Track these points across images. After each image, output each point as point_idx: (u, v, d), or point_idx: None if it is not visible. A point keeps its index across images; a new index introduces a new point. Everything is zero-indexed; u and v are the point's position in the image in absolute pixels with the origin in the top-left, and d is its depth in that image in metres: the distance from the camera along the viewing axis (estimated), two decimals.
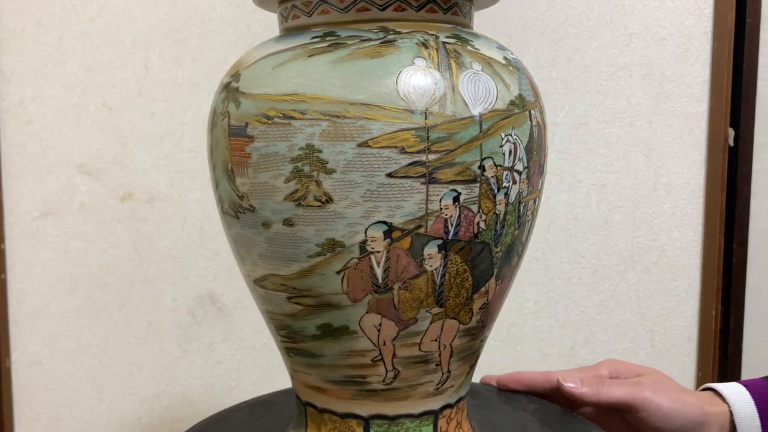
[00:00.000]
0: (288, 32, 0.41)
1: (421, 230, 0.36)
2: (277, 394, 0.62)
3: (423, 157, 0.35)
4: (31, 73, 0.81)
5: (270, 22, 0.83)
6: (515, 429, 0.51)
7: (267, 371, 0.89)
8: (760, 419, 0.48)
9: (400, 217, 0.36)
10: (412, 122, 0.35)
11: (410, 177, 0.35)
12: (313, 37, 0.38)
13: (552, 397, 0.54)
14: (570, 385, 0.51)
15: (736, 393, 0.50)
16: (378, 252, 0.36)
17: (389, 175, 0.35)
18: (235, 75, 0.39)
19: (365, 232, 0.36)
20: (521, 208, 0.41)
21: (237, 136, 0.37)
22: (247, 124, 0.36)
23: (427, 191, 0.36)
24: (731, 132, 0.95)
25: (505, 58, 0.41)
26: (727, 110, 0.94)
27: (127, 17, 0.82)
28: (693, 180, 0.94)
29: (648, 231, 0.94)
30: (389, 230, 0.36)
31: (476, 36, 0.41)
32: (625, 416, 0.51)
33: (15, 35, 0.80)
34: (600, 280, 0.94)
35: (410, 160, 0.35)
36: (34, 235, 0.82)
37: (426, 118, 0.35)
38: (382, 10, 0.39)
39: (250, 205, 0.37)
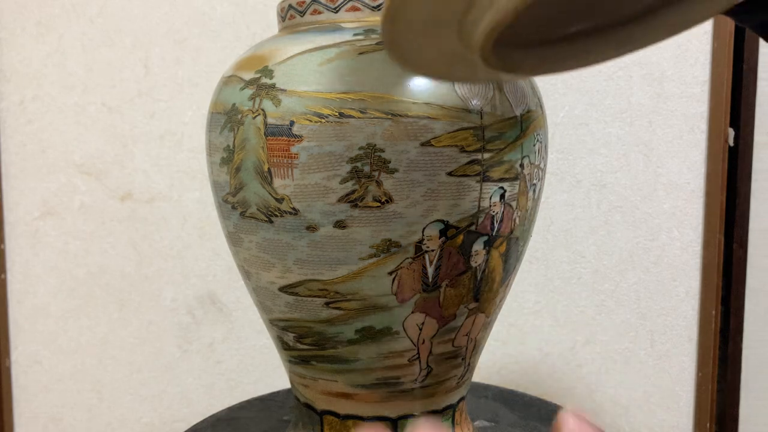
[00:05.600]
0: (310, 28, 0.39)
1: (473, 227, 0.37)
2: (277, 394, 0.62)
3: (479, 156, 0.36)
4: (31, 73, 0.81)
5: (270, 22, 0.83)
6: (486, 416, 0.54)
7: (267, 371, 0.89)
8: None
9: (456, 215, 0.36)
10: (470, 122, 0.35)
11: (468, 175, 0.36)
12: (355, 35, 0.37)
13: None
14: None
15: None
16: (432, 251, 0.36)
17: (450, 174, 0.35)
18: (264, 71, 0.37)
19: (422, 232, 0.36)
20: (539, 204, 0.42)
21: (278, 135, 0.36)
22: (292, 122, 0.35)
23: (481, 189, 0.36)
24: (731, 132, 0.95)
25: None
26: (727, 110, 0.94)
27: (127, 17, 0.82)
28: (693, 180, 0.94)
29: (648, 231, 0.94)
30: (445, 228, 0.36)
31: None
32: None
33: (15, 35, 0.80)
34: (600, 280, 0.94)
35: (468, 159, 0.35)
36: (34, 235, 0.82)
37: (482, 118, 0.36)
38: None
39: (293, 208, 0.36)
